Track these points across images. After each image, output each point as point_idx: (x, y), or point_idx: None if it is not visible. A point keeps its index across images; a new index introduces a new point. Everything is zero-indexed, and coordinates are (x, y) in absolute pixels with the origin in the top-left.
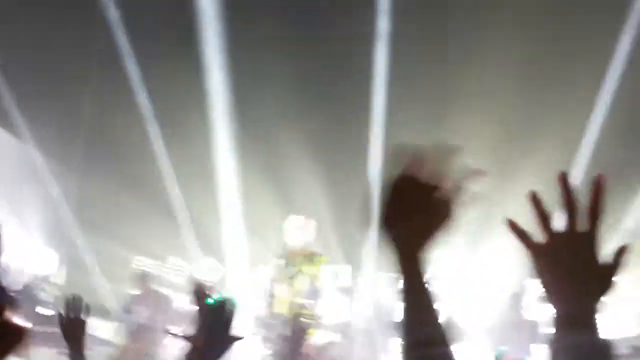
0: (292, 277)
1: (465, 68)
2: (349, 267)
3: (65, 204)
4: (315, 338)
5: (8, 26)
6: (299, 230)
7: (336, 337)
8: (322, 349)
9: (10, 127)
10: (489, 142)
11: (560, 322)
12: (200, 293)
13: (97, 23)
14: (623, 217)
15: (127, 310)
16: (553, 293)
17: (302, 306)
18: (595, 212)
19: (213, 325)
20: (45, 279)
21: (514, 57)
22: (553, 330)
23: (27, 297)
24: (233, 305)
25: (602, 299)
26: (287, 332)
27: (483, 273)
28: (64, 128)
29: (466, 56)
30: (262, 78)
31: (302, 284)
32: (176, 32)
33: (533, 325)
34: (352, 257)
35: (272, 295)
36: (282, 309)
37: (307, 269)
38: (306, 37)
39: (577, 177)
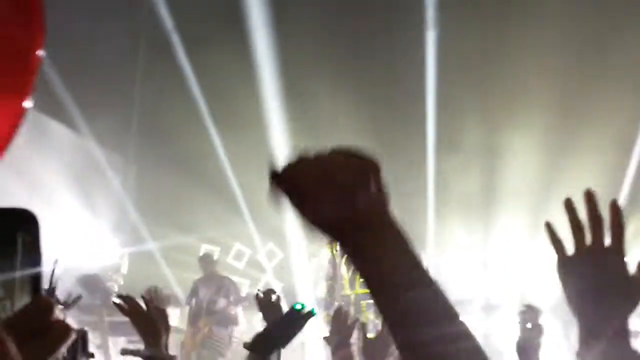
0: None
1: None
2: None
3: (126, 195)
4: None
5: (56, 18)
6: None
7: None
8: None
9: (69, 121)
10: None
11: (586, 336)
12: (266, 301)
13: (144, 10)
14: None
15: (192, 294)
16: (579, 307)
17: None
18: (618, 229)
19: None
20: (112, 268)
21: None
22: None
23: (95, 287)
24: (311, 315)
25: (633, 312)
26: (341, 314)
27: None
28: (119, 119)
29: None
30: (313, 66)
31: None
32: (225, 17)
33: None
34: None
35: (332, 277)
36: (344, 289)
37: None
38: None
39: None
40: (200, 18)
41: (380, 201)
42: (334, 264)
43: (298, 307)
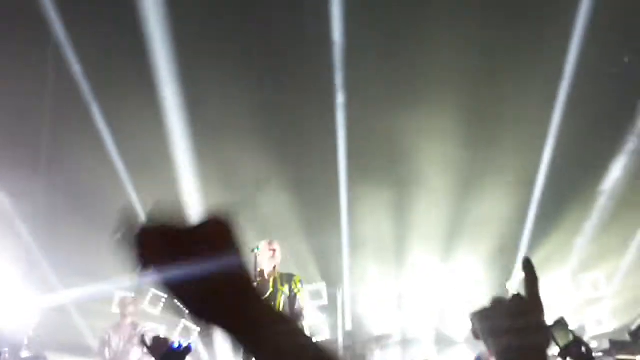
0: (268, 300)
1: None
2: (323, 285)
3: (35, 244)
4: None
5: None
6: (270, 253)
7: None
8: None
9: None
10: (447, 166)
11: None
12: (157, 345)
13: (49, 53)
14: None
15: (104, 344)
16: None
17: None
18: (532, 282)
19: None
20: (22, 320)
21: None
22: None
23: (3, 341)
24: (188, 350)
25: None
26: None
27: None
28: (26, 166)
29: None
30: (222, 110)
31: (282, 305)
32: (131, 59)
33: None
34: (325, 274)
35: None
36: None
37: (285, 289)
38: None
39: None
40: (106, 60)
41: (242, 279)
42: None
43: (176, 345)
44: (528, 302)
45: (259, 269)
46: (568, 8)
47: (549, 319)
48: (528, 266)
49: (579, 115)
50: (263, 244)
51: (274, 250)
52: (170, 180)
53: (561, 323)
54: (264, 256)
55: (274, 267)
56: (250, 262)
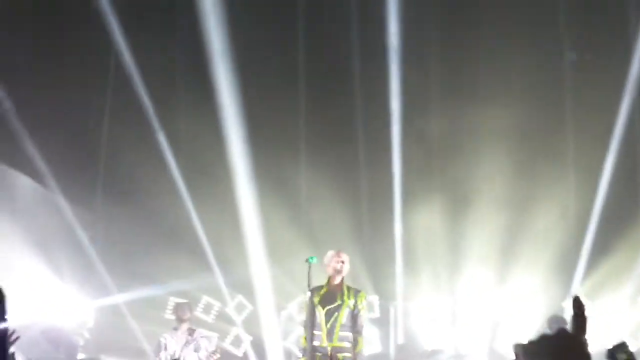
0: (334, 311)
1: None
2: (376, 297)
3: (94, 250)
4: None
5: (21, 72)
6: (340, 264)
7: None
8: None
9: (36, 176)
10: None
11: None
12: None
13: (111, 67)
14: None
15: (159, 348)
16: None
17: (343, 339)
18: (581, 318)
19: None
20: (78, 322)
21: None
22: None
23: (60, 341)
24: None
25: None
26: None
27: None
28: (86, 174)
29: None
30: (277, 112)
31: (345, 318)
32: (191, 66)
33: None
34: (379, 288)
35: (310, 326)
36: (321, 341)
37: (350, 303)
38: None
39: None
40: (170, 75)
41: None
42: (311, 313)
43: None
44: (573, 339)
45: (327, 278)
46: None
47: (611, 342)
48: (577, 304)
49: None
50: (330, 254)
51: (343, 262)
52: (227, 192)
53: (623, 346)
54: (332, 266)
55: (342, 279)
56: (305, 272)
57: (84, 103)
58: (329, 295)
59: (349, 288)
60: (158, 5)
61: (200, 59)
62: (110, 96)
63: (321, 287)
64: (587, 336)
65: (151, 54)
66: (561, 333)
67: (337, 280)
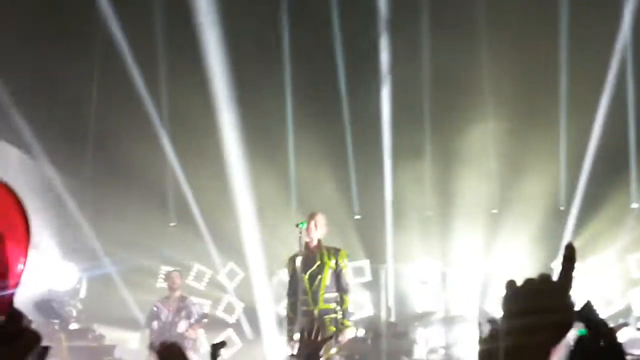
0: (316, 273)
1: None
2: (367, 262)
3: (82, 218)
4: (345, 334)
5: (11, 42)
6: (312, 225)
7: (361, 332)
8: (349, 344)
9: (23, 145)
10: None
11: None
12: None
13: (99, 33)
14: None
15: (152, 316)
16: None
17: (329, 301)
18: (569, 264)
19: None
20: (70, 293)
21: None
22: None
23: (52, 312)
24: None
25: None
26: (310, 329)
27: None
28: (72, 140)
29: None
30: (268, 79)
31: (329, 279)
32: (177, 34)
33: None
34: (370, 251)
35: (295, 293)
36: (307, 305)
37: (331, 263)
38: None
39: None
40: (155, 42)
41: None
42: (295, 280)
43: None
44: (557, 284)
45: (303, 243)
46: None
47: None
48: (569, 251)
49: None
50: (312, 214)
51: (316, 222)
52: (217, 158)
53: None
54: (309, 230)
55: (319, 240)
56: (296, 238)
57: (70, 71)
58: (308, 259)
59: (328, 248)
60: None
61: (187, 25)
62: (98, 64)
63: (296, 254)
64: (571, 282)
65: (137, 21)
66: (544, 277)
67: (314, 242)
